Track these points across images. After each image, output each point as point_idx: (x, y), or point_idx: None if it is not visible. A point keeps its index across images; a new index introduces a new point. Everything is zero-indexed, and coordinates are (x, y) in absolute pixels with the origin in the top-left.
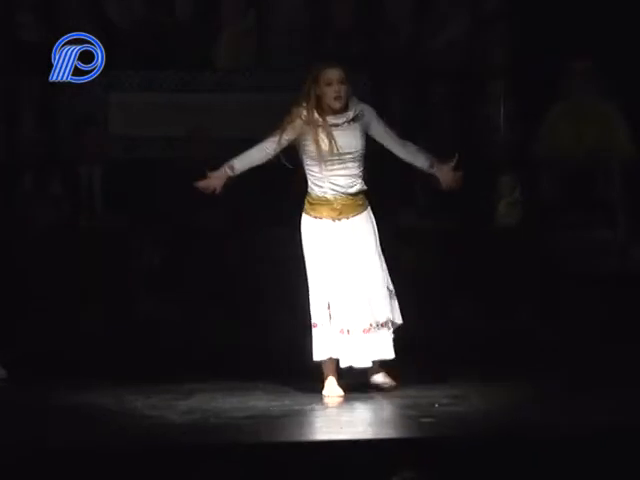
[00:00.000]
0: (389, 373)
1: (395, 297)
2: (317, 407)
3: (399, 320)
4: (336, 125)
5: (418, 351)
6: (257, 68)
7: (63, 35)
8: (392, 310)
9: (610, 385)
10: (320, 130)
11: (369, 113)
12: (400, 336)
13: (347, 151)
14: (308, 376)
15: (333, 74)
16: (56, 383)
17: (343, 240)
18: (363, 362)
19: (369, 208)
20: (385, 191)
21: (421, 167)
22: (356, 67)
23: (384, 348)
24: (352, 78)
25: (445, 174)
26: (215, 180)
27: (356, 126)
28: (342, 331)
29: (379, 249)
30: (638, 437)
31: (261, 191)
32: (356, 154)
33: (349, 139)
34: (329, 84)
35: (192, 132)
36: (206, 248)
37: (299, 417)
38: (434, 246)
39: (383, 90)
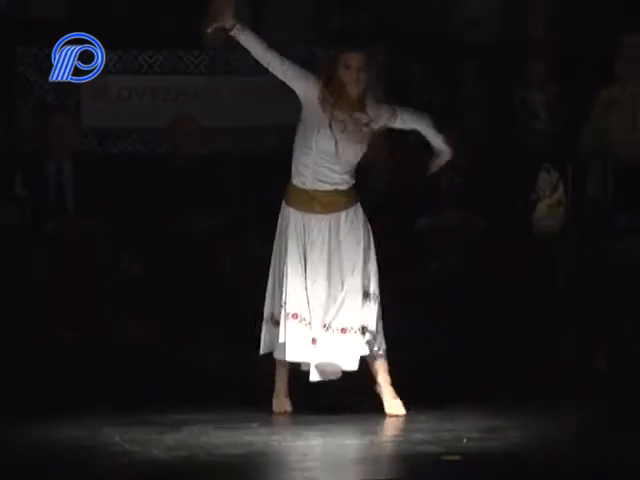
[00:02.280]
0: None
1: (377, 302)
2: (323, 441)
3: (372, 327)
4: (345, 128)
5: (441, 372)
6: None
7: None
8: (366, 316)
9: None
10: (328, 124)
11: (385, 117)
12: (420, 354)
13: (346, 158)
14: (314, 407)
15: (353, 58)
16: (19, 414)
17: (322, 234)
18: (325, 359)
19: (358, 204)
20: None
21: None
22: (369, 42)
23: (347, 356)
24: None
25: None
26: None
27: (365, 136)
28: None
29: (364, 247)
30: None
31: (255, 190)
32: (355, 160)
33: (352, 148)
34: (347, 67)
35: (177, 122)
36: (194, 255)
37: (303, 454)
38: (462, 253)
39: (401, 69)
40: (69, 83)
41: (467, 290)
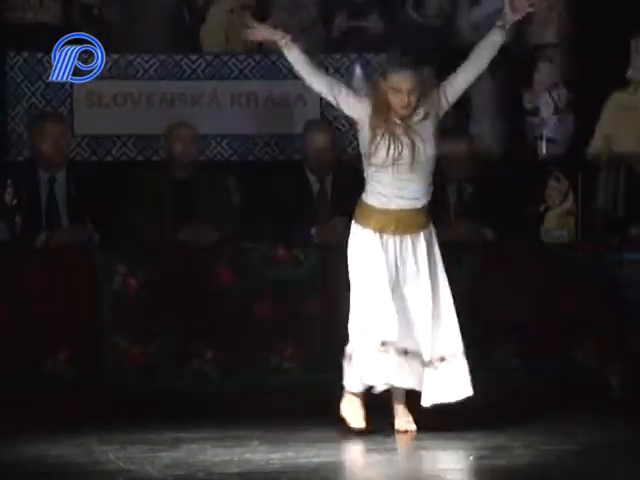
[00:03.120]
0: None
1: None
2: (327, 460)
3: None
4: (406, 127)
5: None
6: (250, 51)
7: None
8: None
9: None
10: (388, 132)
11: (436, 97)
12: None
13: (417, 158)
14: (314, 422)
15: (402, 81)
16: (12, 431)
17: (404, 257)
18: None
19: (432, 224)
20: None
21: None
22: (377, 47)
23: (460, 384)
24: (369, 61)
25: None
26: (264, 31)
27: (427, 125)
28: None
29: (444, 272)
30: None
31: (259, 202)
32: (428, 161)
33: (420, 144)
34: (397, 91)
35: (174, 129)
36: (192, 270)
37: (305, 473)
38: (467, 264)
39: None
40: (62, 89)
41: (475, 303)
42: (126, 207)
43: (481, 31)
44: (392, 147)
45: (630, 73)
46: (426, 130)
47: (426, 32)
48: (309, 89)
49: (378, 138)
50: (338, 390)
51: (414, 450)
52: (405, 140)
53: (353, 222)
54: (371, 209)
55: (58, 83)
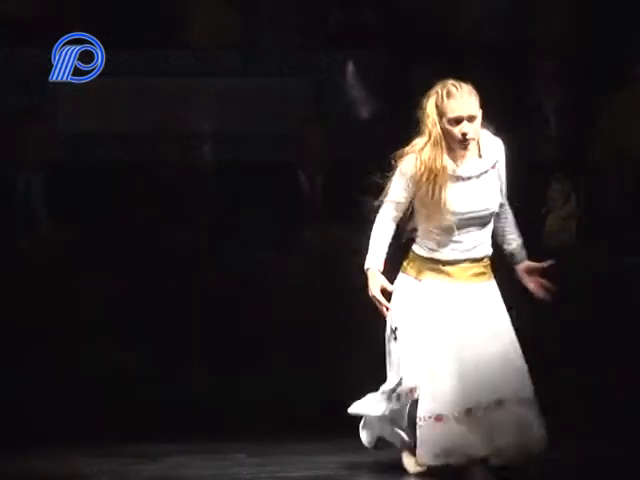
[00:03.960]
0: None
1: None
2: (315, 474)
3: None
4: (464, 178)
5: None
6: (242, 47)
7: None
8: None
9: None
10: (442, 182)
11: (502, 155)
12: None
13: (477, 213)
14: (301, 435)
15: (462, 107)
16: None
17: (460, 303)
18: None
19: (494, 280)
20: None
21: (507, 252)
22: (369, 44)
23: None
24: (364, 58)
25: (527, 273)
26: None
27: (492, 176)
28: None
29: (509, 321)
30: None
31: (244, 204)
32: (489, 214)
33: (480, 196)
34: (455, 123)
35: (160, 127)
36: (177, 273)
37: None
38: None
39: (403, 72)
40: (43, 86)
41: None
42: (111, 210)
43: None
44: (441, 199)
45: (637, 71)
46: (487, 182)
47: (423, 27)
48: (299, 87)
49: (426, 187)
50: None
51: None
52: (452, 192)
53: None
54: (420, 258)
55: (37, 80)
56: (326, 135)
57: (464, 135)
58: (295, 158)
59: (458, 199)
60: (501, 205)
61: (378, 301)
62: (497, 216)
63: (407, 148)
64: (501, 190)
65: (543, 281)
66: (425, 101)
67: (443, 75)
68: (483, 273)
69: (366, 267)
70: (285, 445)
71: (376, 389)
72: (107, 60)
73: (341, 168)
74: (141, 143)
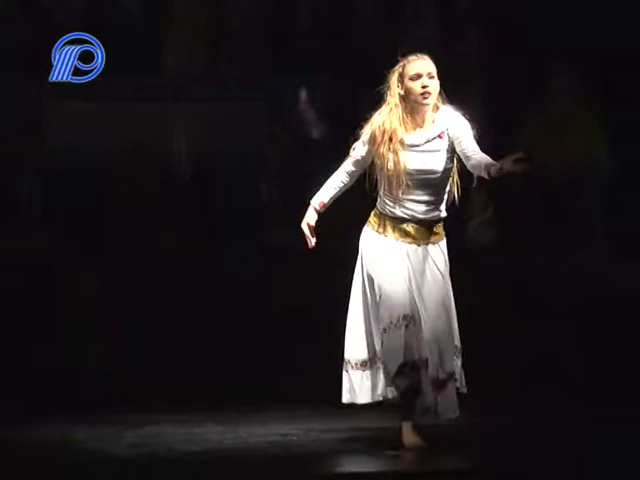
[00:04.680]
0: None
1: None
2: (273, 439)
3: (463, 389)
4: (413, 145)
5: None
6: (209, 74)
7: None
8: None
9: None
10: (392, 147)
11: (453, 126)
12: None
13: (424, 177)
14: (262, 404)
15: (421, 66)
16: None
17: (413, 266)
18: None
19: (445, 240)
20: None
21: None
22: (319, 71)
23: (450, 405)
24: (315, 83)
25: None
26: (309, 228)
27: (440, 145)
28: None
29: (451, 290)
30: None
31: (214, 209)
32: (437, 177)
33: (427, 162)
34: (416, 78)
35: (140, 143)
36: (156, 271)
37: (255, 451)
38: None
39: (348, 96)
40: (35, 102)
41: None
42: (95, 215)
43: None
44: (390, 163)
45: (547, 93)
46: (435, 149)
47: (363, 58)
48: (259, 108)
49: (380, 150)
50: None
51: (349, 432)
52: (401, 157)
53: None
54: (380, 214)
55: (33, 99)
56: (282, 151)
57: (424, 87)
58: (257, 170)
59: (408, 162)
60: (471, 153)
61: (303, 233)
62: (468, 158)
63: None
64: (455, 151)
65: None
66: (390, 75)
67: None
68: (437, 234)
69: (310, 203)
70: (251, 414)
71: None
72: (88, 83)
73: (295, 178)
74: (123, 156)
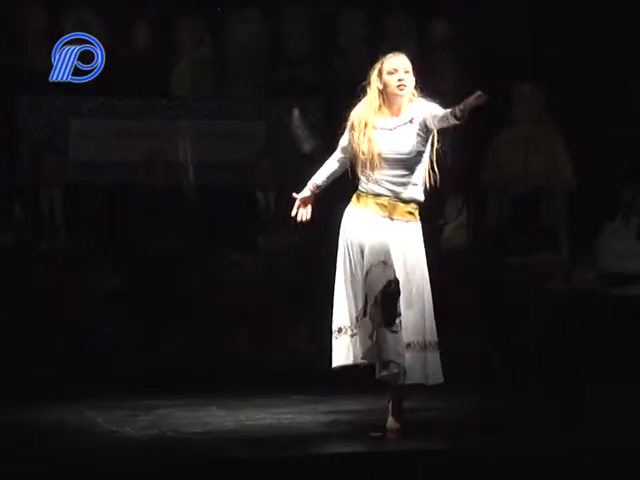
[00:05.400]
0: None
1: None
2: (270, 421)
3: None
4: (384, 129)
5: None
6: (211, 96)
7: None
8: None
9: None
10: (366, 132)
11: (423, 110)
12: None
13: (393, 156)
14: (258, 392)
15: (397, 62)
16: (21, 400)
17: (394, 239)
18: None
19: (419, 224)
20: None
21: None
22: (310, 93)
23: (436, 371)
24: (306, 104)
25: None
26: (302, 202)
27: (410, 129)
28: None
29: (426, 268)
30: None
31: (214, 216)
32: (406, 159)
33: (397, 143)
34: (393, 72)
35: (150, 157)
36: (163, 270)
37: (252, 432)
38: None
39: (335, 114)
40: (60, 126)
41: None
42: (111, 220)
43: None
44: (361, 146)
45: (514, 113)
46: (405, 133)
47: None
48: (256, 126)
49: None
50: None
51: (339, 414)
52: (371, 139)
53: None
54: (360, 192)
55: (56, 120)
56: (275, 164)
57: (400, 80)
58: (253, 180)
59: (380, 144)
60: (440, 112)
61: (296, 209)
62: (438, 117)
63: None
64: (428, 136)
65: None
66: (370, 71)
67: None
68: (411, 213)
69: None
70: (248, 399)
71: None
72: (103, 104)
73: (287, 188)
74: (133, 169)
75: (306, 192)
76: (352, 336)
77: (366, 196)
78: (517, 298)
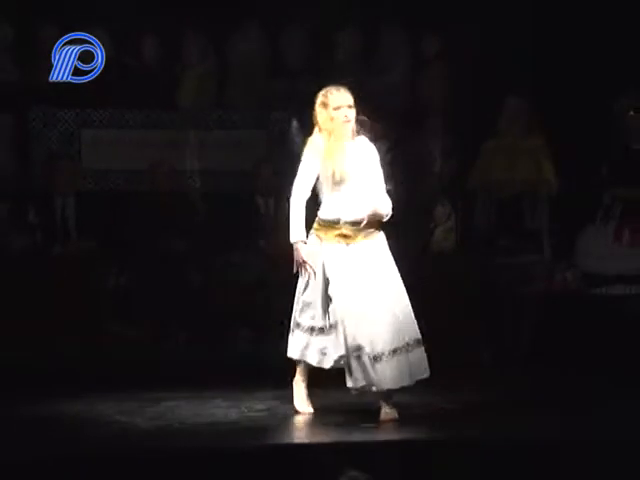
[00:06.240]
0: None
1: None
2: (270, 414)
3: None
4: (336, 160)
5: None
6: (215, 108)
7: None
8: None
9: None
10: (326, 154)
11: (367, 154)
12: None
13: (351, 178)
14: (259, 385)
15: (341, 99)
16: (35, 394)
17: (356, 262)
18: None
19: (382, 233)
20: None
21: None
22: (306, 105)
23: (421, 366)
24: (303, 115)
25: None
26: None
27: (359, 155)
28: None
29: (397, 272)
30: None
31: (217, 220)
32: (356, 184)
33: (348, 170)
34: (338, 108)
35: (157, 165)
36: (168, 270)
37: (254, 423)
38: None
39: None
40: (73, 136)
41: None
42: (120, 224)
43: (389, 94)
44: (326, 167)
45: (500, 125)
46: (356, 157)
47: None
48: (257, 135)
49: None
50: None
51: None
52: (333, 162)
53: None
54: (322, 220)
55: (69, 131)
56: (276, 171)
57: (346, 116)
58: (254, 187)
59: (331, 172)
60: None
61: (308, 266)
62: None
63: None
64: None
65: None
66: (316, 105)
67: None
68: (372, 232)
69: (294, 240)
70: (250, 392)
71: None
72: (113, 115)
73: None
74: (141, 176)
75: (306, 248)
76: (321, 336)
77: (325, 225)
78: (503, 298)
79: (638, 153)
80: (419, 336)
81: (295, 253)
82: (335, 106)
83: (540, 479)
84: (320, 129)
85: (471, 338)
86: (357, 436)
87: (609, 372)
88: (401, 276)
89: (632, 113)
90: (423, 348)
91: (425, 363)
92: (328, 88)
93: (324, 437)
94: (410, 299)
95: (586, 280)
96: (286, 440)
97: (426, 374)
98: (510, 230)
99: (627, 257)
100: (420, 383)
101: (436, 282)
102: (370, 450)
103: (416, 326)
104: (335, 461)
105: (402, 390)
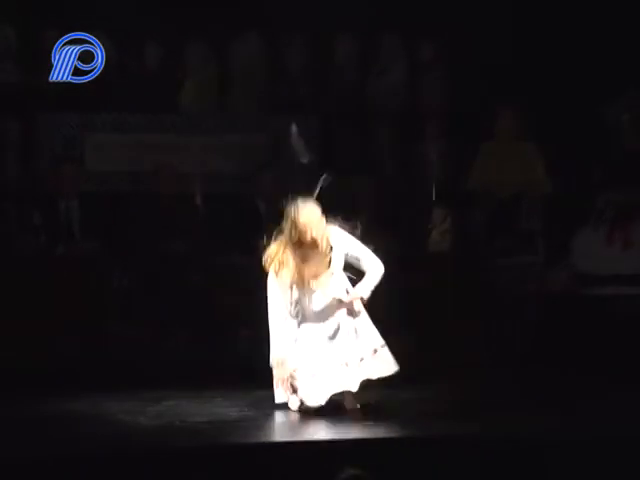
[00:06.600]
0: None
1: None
2: (269, 412)
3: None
4: (307, 262)
5: None
6: (217, 112)
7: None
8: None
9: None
10: (293, 264)
11: (342, 243)
12: None
13: (317, 286)
14: (260, 385)
15: (309, 216)
16: (43, 394)
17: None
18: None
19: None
20: None
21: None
22: (306, 108)
23: (389, 362)
24: (302, 120)
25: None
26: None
27: (328, 256)
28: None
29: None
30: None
31: (219, 223)
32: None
33: (319, 267)
34: (304, 230)
35: (159, 168)
36: (171, 271)
37: (254, 421)
38: None
39: (331, 130)
40: (77, 140)
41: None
42: (123, 226)
43: (388, 97)
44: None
45: (496, 128)
46: (323, 261)
47: (345, 97)
48: (258, 139)
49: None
50: None
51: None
52: (299, 271)
53: None
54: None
55: (73, 134)
56: (277, 175)
57: (312, 237)
58: (255, 190)
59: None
60: (362, 258)
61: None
62: (359, 260)
63: (270, 252)
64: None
65: None
66: (285, 219)
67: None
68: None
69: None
70: (251, 392)
71: None
72: (116, 119)
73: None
74: (144, 179)
75: (288, 368)
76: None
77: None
78: (500, 297)
79: (632, 156)
80: (382, 341)
81: (279, 371)
82: (301, 227)
83: (540, 479)
84: (288, 239)
85: (471, 338)
86: (356, 433)
87: (605, 371)
88: (399, 277)
89: (626, 116)
90: (387, 349)
91: (392, 359)
92: (297, 204)
93: (324, 435)
94: (406, 301)
95: (579, 280)
96: (286, 438)
97: (394, 369)
98: (506, 231)
99: (620, 258)
100: (420, 382)
101: (433, 283)
102: (369, 447)
103: (377, 333)
104: (335, 458)
105: (402, 389)
